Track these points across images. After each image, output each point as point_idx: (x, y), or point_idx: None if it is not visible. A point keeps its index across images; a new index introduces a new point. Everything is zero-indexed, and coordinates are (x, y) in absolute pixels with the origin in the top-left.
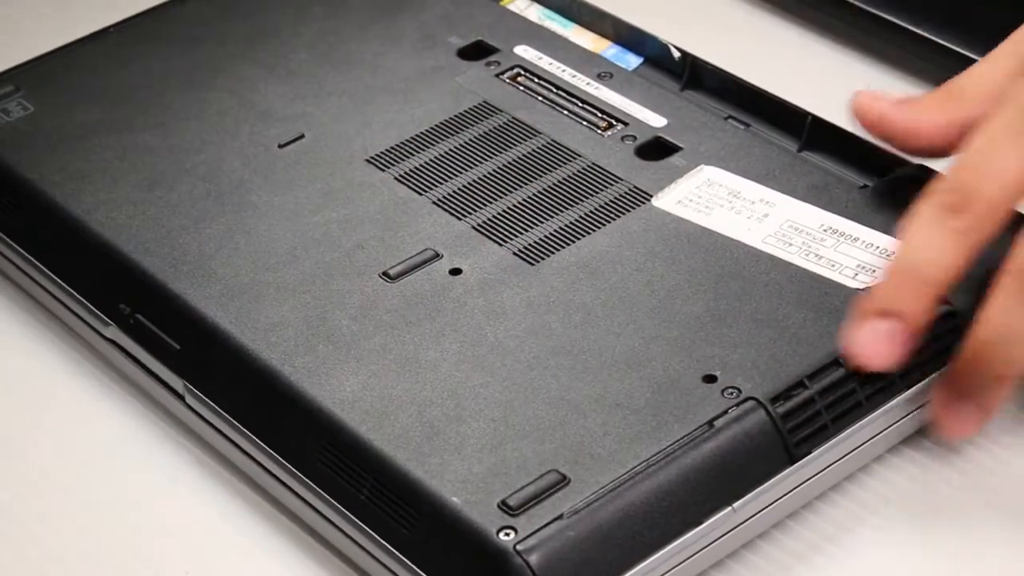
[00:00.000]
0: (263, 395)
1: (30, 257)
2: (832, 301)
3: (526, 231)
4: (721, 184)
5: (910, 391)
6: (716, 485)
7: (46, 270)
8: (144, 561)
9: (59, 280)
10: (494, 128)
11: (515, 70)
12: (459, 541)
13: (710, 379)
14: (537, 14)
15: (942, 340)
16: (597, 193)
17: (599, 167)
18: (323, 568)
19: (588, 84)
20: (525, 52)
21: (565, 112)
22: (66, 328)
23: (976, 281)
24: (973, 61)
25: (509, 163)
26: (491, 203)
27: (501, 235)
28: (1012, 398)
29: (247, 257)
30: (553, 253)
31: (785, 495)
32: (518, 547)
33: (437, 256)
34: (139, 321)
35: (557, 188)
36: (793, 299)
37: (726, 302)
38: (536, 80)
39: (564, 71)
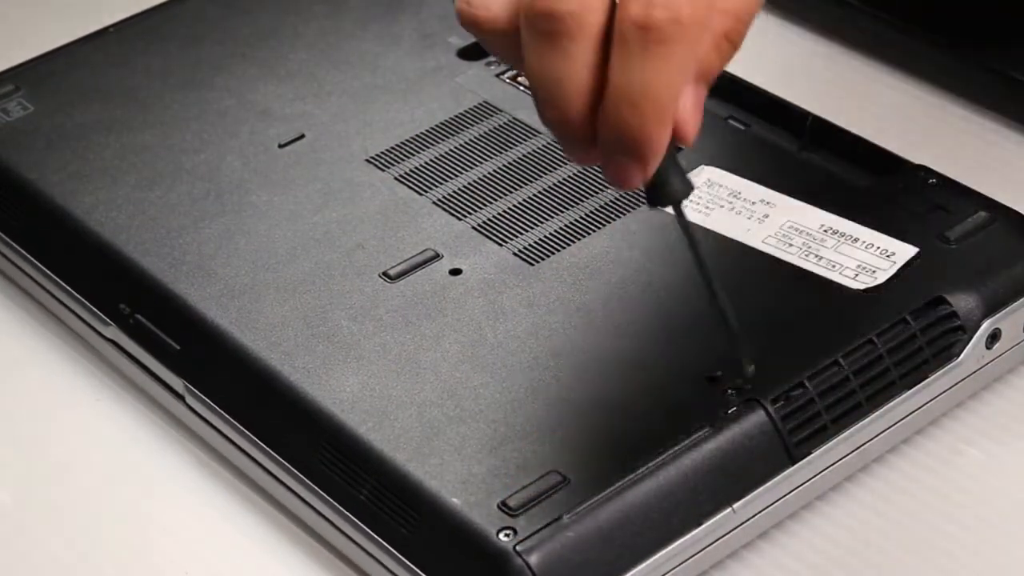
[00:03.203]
0: (263, 395)
1: (30, 257)
2: (832, 302)
3: (526, 231)
4: (721, 184)
5: (910, 391)
6: (716, 486)
7: (46, 270)
8: (144, 561)
9: (59, 280)
10: (494, 128)
11: (515, 70)
12: (459, 542)
13: (710, 380)
14: None
15: (942, 340)
16: (597, 193)
17: (599, 168)
18: (323, 568)
19: None
20: None
21: None
22: (66, 328)
23: (975, 281)
24: (972, 61)
25: (509, 163)
26: (491, 203)
27: (501, 235)
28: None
29: (247, 257)
30: (553, 253)
31: (785, 496)
32: (518, 548)
33: (437, 256)
34: (139, 321)
35: (557, 188)
36: (793, 300)
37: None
38: None
39: None
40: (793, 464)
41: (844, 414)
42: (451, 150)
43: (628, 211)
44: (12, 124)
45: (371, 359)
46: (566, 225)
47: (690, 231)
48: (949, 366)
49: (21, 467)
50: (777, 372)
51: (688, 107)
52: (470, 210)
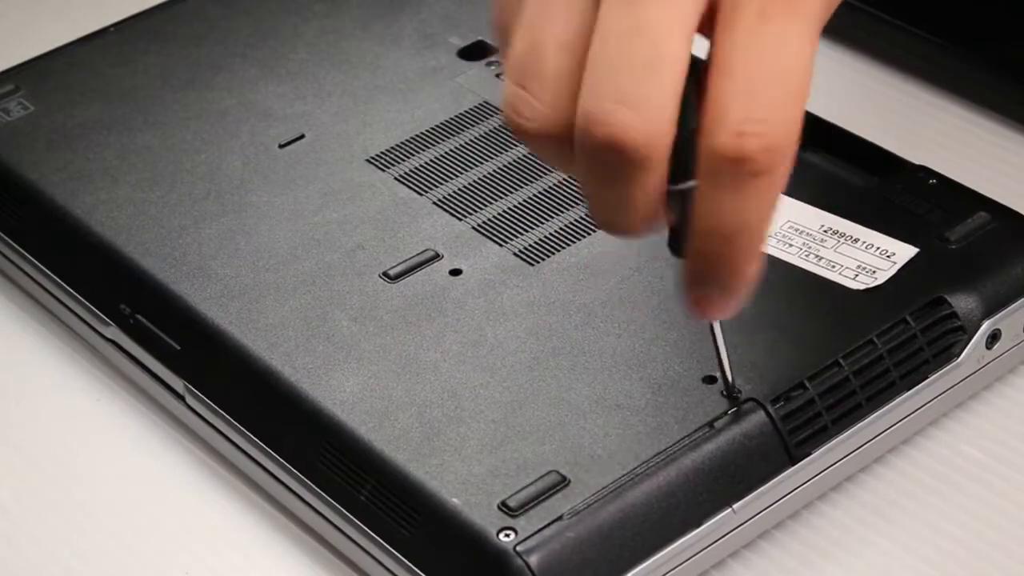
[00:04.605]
0: (263, 395)
1: (30, 257)
2: (832, 302)
3: (526, 231)
4: None
5: (910, 391)
6: (716, 486)
7: (46, 270)
8: (144, 561)
9: (59, 280)
10: (494, 128)
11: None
12: (459, 542)
13: (710, 380)
14: None
15: (942, 340)
16: None
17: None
18: (323, 568)
19: None
20: None
21: None
22: (66, 328)
23: (975, 281)
24: (973, 61)
25: (509, 163)
26: (491, 203)
27: (501, 235)
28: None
29: (247, 257)
30: (553, 254)
31: (785, 496)
32: (518, 548)
33: (437, 256)
34: (139, 321)
35: (557, 188)
36: (793, 300)
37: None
38: None
39: None
40: (793, 464)
41: (844, 414)
42: (451, 150)
43: None
44: (12, 124)
45: (371, 359)
46: (566, 225)
47: None
48: (949, 366)
49: (21, 467)
50: (777, 372)
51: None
52: (470, 210)
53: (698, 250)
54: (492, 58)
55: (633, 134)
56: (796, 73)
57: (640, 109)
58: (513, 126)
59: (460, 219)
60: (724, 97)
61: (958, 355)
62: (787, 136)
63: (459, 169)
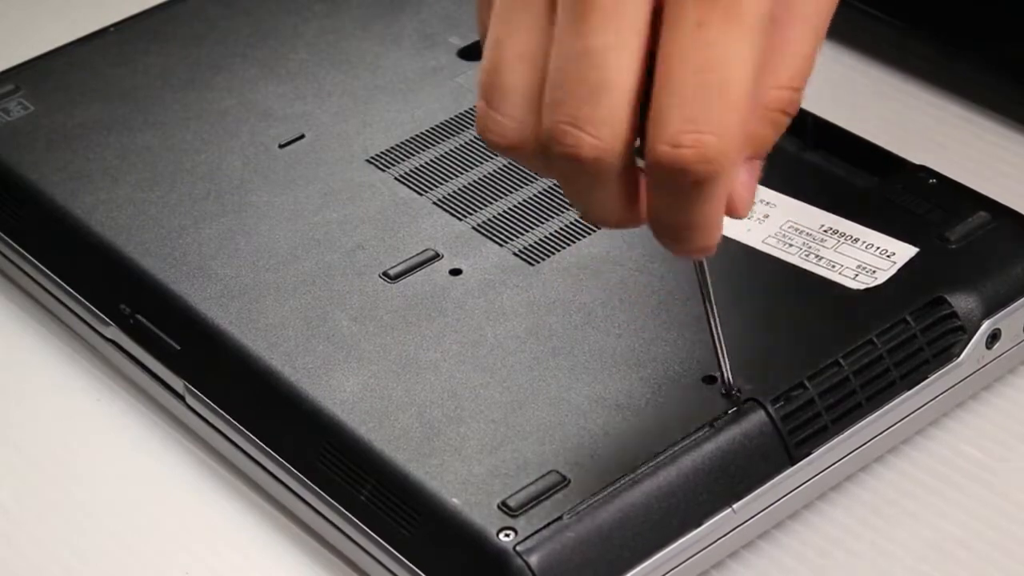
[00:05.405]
0: (263, 395)
1: (30, 257)
2: (832, 302)
3: (526, 231)
4: None
5: (910, 391)
6: (716, 486)
7: (46, 270)
8: (144, 561)
9: (59, 280)
10: None
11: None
12: (459, 542)
13: (710, 380)
14: None
15: (942, 340)
16: None
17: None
18: (323, 568)
19: None
20: None
21: None
22: (66, 328)
23: (975, 281)
24: (973, 61)
25: (509, 163)
26: (491, 203)
27: (501, 235)
28: None
29: (247, 257)
30: (553, 254)
31: (785, 496)
32: (518, 548)
33: (437, 256)
34: (139, 321)
35: (557, 188)
36: (793, 300)
37: (726, 303)
38: None
39: None
40: (793, 464)
41: (844, 414)
42: (451, 150)
43: None
44: (12, 124)
45: (371, 359)
46: (566, 225)
47: (701, 261)
48: (949, 366)
49: (21, 467)
50: (777, 372)
51: (741, 183)
52: (470, 210)
53: (657, 236)
54: None
55: (586, 151)
56: (732, 82)
57: (591, 130)
58: (486, 141)
59: (460, 219)
60: (661, 107)
61: (958, 355)
62: (724, 145)
63: (459, 169)
